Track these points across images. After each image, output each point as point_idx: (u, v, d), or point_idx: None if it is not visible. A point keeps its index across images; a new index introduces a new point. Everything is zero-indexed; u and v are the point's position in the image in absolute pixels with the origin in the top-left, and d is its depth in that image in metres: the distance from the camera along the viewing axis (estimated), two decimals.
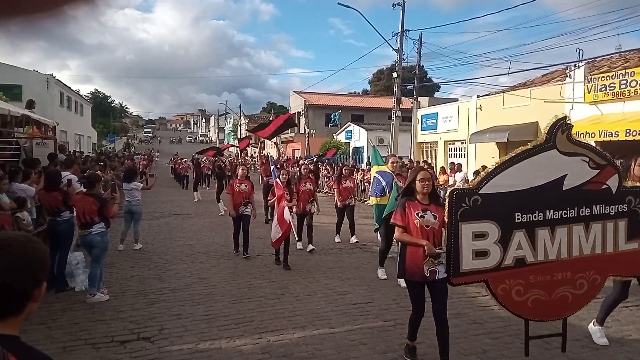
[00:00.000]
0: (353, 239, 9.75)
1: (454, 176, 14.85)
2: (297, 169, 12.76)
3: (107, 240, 6.14)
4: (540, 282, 4.01)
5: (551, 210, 4.02)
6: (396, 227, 4.18)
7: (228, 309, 5.66)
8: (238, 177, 8.63)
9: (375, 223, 7.18)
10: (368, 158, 27.53)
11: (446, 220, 3.91)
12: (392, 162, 7.12)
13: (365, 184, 17.30)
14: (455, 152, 20.64)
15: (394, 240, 7.00)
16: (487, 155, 17.22)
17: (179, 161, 30.11)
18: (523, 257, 3.97)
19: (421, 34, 22.03)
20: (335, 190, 10.42)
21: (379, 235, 10.24)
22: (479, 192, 3.87)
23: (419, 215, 4.04)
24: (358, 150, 31.60)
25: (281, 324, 5.17)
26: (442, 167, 16.69)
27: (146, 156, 40.64)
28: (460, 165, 16.07)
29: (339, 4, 20.88)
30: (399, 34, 21.42)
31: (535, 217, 3.99)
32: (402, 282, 6.62)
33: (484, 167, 14.14)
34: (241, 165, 9.86)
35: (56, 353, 4.36)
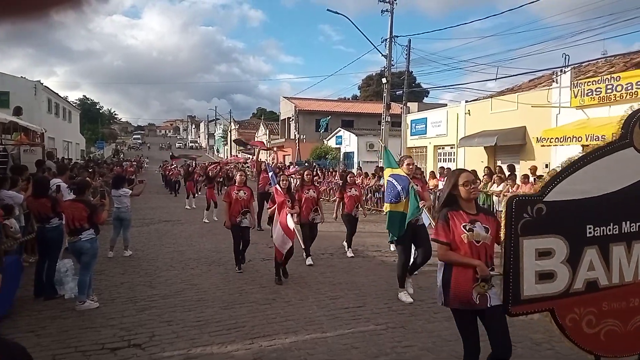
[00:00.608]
0: (349, 254, 9.08)
1: (444, 180, 14.96)
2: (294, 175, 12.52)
3: (96, 246, 6.10)
4: (615, 310, 3.37)
5: (628, 222, 3.38)
6: (439, 245, 3.39)
7: (219, 314, 5.64)
8: (236, 184, 7.94)
9: (389, 233, 6.42)
10: (359, 163, 27.64)
11: (502, 234, 3.23)
12: (408, 164, 6.39)
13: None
14: (444, 157, 20.79)
15: (413, 253, 6.28)
16: (476, 159, 17.36)
17: (169, 167, 29.97)
18: (595, 279, 3.32)
19: (410, 40, 22.19)
20: (337, 200, 9.53)
21: (391, 245, 9.70)
22: (544, 199, 3.21)
23: (467, 228, 3.28)
24: (348, 156, 31.68)
25: (273, 329, 5.16)
26: (432, 172, 16.78)
27: (134, 163, 40.43)
28: (449, 169, 16.18)
29: (328, 10, 21.18)
30: (388, 40, 21.60)
31: (609, 230, 3.35)
32: (403, 297, 6.26)
33: (474, 171, 14.26)
34: (239, 170, 9.15)
35: None
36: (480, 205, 3.51)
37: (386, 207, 6.37)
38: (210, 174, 16.64)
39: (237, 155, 51.78)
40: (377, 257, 8.96)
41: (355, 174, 19.89)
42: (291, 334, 5.00)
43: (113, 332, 5.03)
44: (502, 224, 3.23)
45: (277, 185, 7.32)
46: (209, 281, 7.21)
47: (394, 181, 6.26)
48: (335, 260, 8.67)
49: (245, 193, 7.76)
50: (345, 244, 9.33)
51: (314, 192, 8.56)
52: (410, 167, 6.39)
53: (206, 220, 14.02)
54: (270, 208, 7.36)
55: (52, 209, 6.36)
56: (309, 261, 8.21)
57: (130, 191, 9.59)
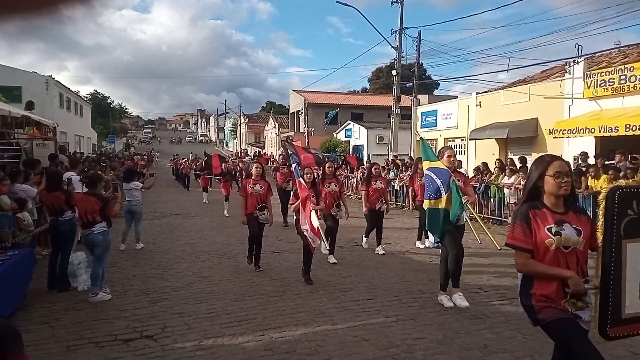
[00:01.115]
0: (380, 250, 8.62)
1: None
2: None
3: (109, 239, 6.16)
4: None
5: None
6: (517, 252, 2.72)
7: (230, 306, 5.67)
8: (252, 177, 7.43)
9: (430, 233, 5.86)
10: (368, 156, 27.56)
11: (599, 236, 2.64)
12: (449, 156, 5.80)
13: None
14: (455, 149, 20.62)
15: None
16: (487, 152, 17.23)
17: (180, 161, 30.16)
18: None
19: (420, 31, 22.02)
20: (363, 193, 8.93)
21: (418, 242, 9.35)
22: None
23: (553, 231, 2.63)
24: (358, 149, 31.61)
25: (284, 320, 5.18)
26: None
27: (145, 156, 40.74)
28: (460, 162, 16.04)
29: (337, 2, 20.91)
30: (398, 31, 21.44)
31: None
32: (444, 301, 5.69)
33: (485, 163, 14.17)
34: (255, 163, 8.35)
35: (60, 352, 4.39)
36: (570, 202, 2.80)
37: (425, 203, 5.82)
38: (224, 168, 16.68)
39: (246, 149, 51.88)
40: (387, 250, 8.94)
41: (365, 167, 19.90)
42: (302, 326, 5.02)
43: (126, 324, 5.08)
44: (600, 223, 2.64)
45: (301, 179, 6.72)
46: (220, 274, 7.25)
47: (432, 175, 5.71)
48: (345, 253, 8.67)
49: (261, 187, 7.27)
50: (364, 238, 9.16)
51: (336, 185, 7.96)
52: (452, 159, 5.81)
53: (226, 214, 13.94)
54: (293, 203, 6.81)
55: (65, 202, 6.43)
56: (331, 259, 7.84)
57: (141, 184, 9.66)
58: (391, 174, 16.44)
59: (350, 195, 18.15)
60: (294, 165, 7.49)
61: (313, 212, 6.29)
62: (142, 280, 6.90)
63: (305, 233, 6.41)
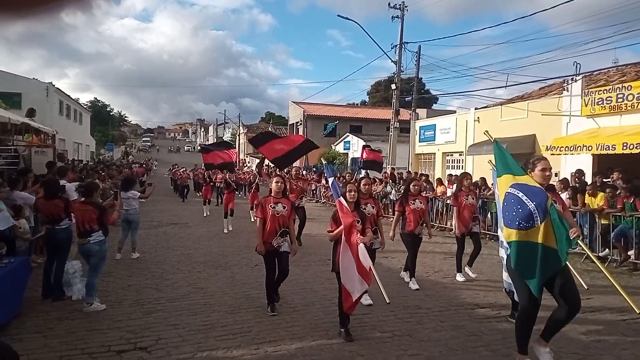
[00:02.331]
0: (413, 285, 7.19)
1: (452, 187, 14.88)
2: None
3: (105, 249, 6.14)
4: None
5: None
6: None
7: (225, 319, 5.64)
8: (272, 194, 6.02)
9: (518, 280, 4.26)
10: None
11: None
12: (543, 169, 4.37)
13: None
14: (453, 164, 20.72)
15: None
16: (485, 167, 17.22)
17: (179, 171, 30.05)
18: None
19: (420, 46, 22.26)
20: (396, 214, 7.56)
21: (458, 275, 7.71)
22: None
23: None
24: (356, 161, 31.67)
25: (279, 334, 5.16)
26: (439, 179, 16.72)
27: (144, 164, 40.71)
28: (457, 176, 16.12)
29: (338, 15, 21.19)
30: (398, 46, 21.64)
31: None
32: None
33: (483, 178, 14.19)
34: (275, 176, 6.57)
35: None
36: None
37: (509, 234, 4.25)
38: (227, 179, 16.32)
39: (244, 159, 51.87)
40: (383, 264, 8.92)
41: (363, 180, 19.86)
42: (297, 340, 5.00)
43: (120, 335, 5.05)
44: None
45: (342, 198, 5.30)
46: (216, 285, 7.22)
47: (520, 194, 4.19)
48: None
49: (284, 207, 5.92)
50: (404, 274, 7.58)
51: (373, 207, 6.38)
52: (547, 174, 4.39)
53: (226, 230, 12.77)
54: (332, 231, 5.24)
55: (64, 210, 6.41)
56: (366, 300, 6.20)
57: (139, 193, 9.64)
58: (388, 188, 16.44)
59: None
60: (330, 180, 6.25)
61: (362, 247, 4.86)
62: (137, 290, 6.87)
63: (341, 275, 5.00)
